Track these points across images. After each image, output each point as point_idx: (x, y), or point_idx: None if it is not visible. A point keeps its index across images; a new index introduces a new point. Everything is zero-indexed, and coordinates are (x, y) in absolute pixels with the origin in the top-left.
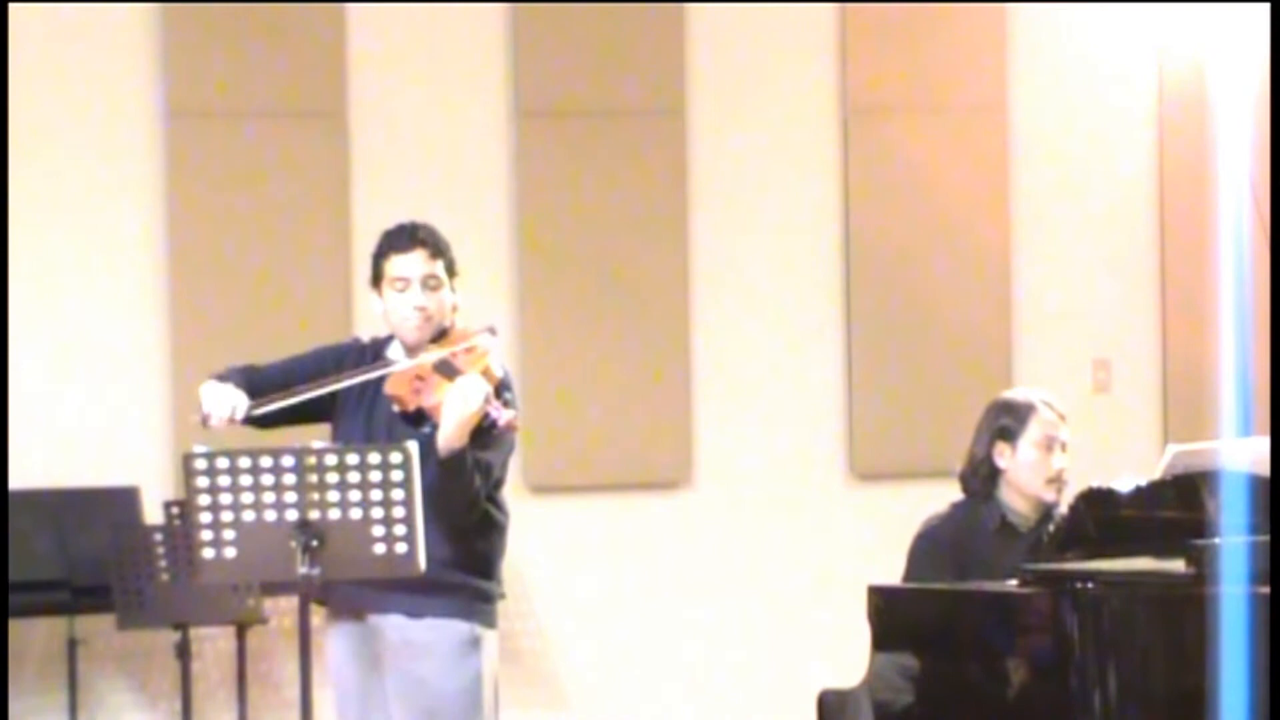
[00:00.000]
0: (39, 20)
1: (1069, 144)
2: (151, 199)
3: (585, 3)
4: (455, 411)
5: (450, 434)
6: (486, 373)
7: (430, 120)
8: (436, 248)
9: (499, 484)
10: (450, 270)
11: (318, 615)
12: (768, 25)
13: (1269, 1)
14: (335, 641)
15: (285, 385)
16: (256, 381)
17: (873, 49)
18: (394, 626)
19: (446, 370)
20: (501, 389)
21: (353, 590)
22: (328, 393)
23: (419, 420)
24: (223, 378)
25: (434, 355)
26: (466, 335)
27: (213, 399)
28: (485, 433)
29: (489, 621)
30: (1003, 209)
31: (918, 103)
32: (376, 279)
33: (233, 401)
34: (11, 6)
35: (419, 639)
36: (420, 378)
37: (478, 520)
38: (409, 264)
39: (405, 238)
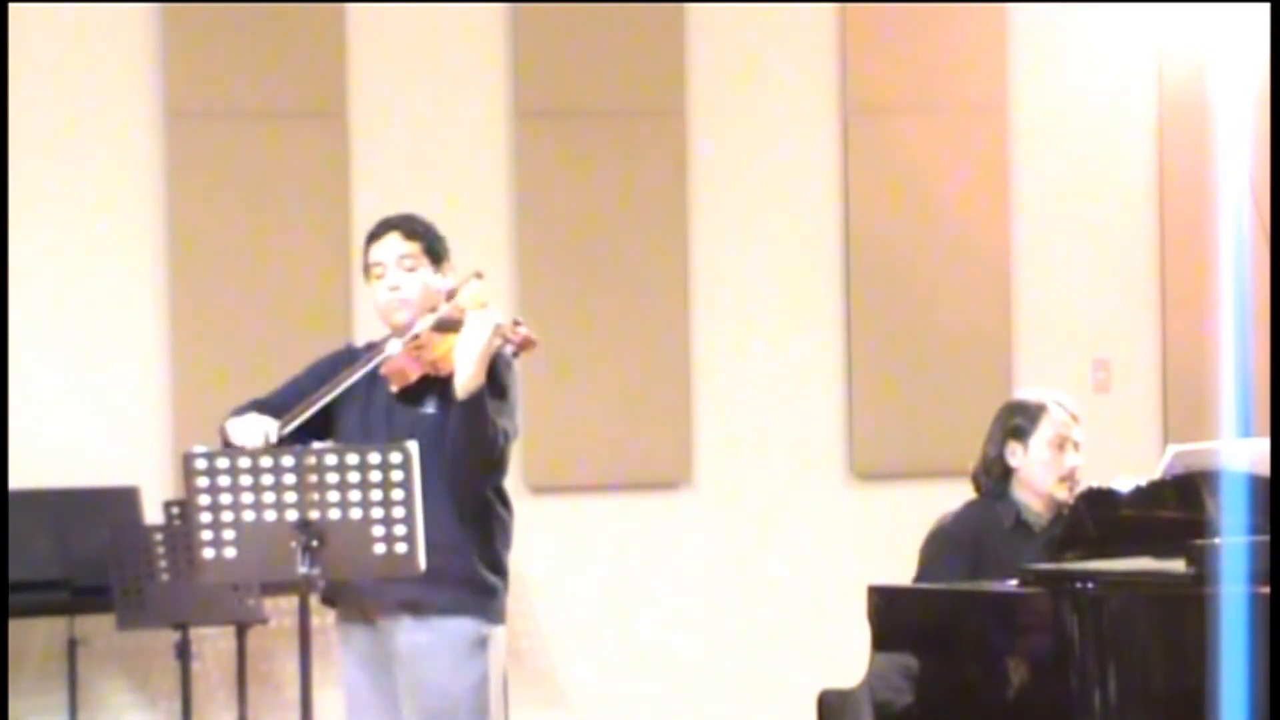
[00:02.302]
0: (39, 20)
1: (1069, 144)
2: (151, 199)
3: (585, 3)
4: (467, 347)
5: (467, 373)
6: (482, 307)
7: (430, 120)
8: (412, 230)
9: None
10: (434, 254)
11: (318, 615)
12: (768, 25)
13: (1269, 1)
14: (346, 645)
15: (293, 405)
16: (268, 410)
17: (873, 49)
18: (402, 628)
19: (445, 326)
20: (515, 321)
21: (361, 592)
22: (339, 393)
23: (418, 397)
24: (239, 411)
25: (428, 320)
26: (455, 290)
27: (242, 432)
28: (494, 394)
29: (496, 618)
30: (1003, 209)
31: (918, 103)
32: (366, 274)
33: (263, 428)
34: (11, 6)
35: (427, 640)
36: (419, 345)
37: (482, 510)
38: (382, 249)
39: (380, 225)
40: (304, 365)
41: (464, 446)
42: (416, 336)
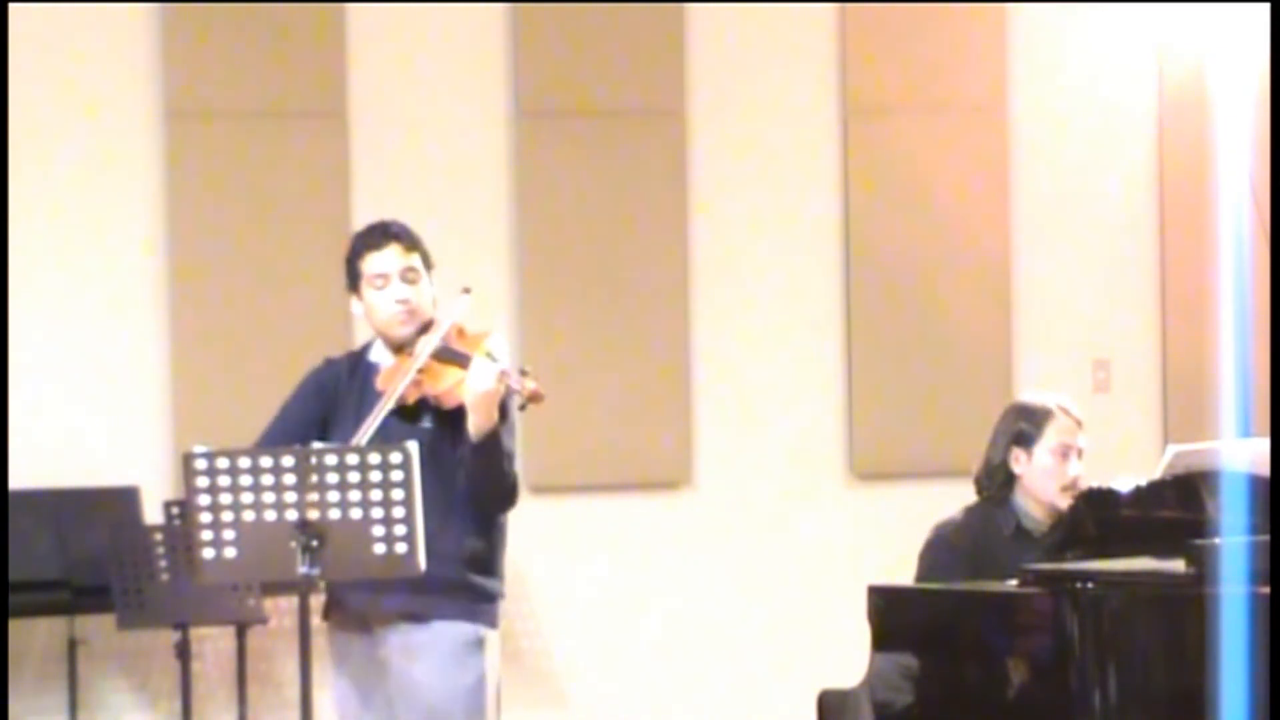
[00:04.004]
0: (39, 20)
1: (1069, 144)
2: (151, 199)
3: (585, 3)
4: (475, 394)
5: (479, 418)
6: (489, 355)
7: (430, 120)
8: (411, 241)
9: None
10: (427, 263)
11: (318, 615)
12: (768, 25)
13: (1269, 1)
14: (338, 654)
15: (291, 440)
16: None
17: (873, 49)
18: (398, 632)
19: (447, 356)
20: (521, 368)
21: (358, 603)
22: (375, 428)
23: (416, 414)
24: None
25: (429, 348)
26: (449, 314)
27: None
28: (502, 408)
29: (491, 622)
30: (1003, 209)
31: (918, 103)
32: (354, 282)
33: None
34: (11, 6)
35: (422, 642)
36: (421, 371)
37: (481, 517)
38: (385, 259)
39: (378, 234)
40: (296, 372)
41: (482, 485)
42: (423, 364)
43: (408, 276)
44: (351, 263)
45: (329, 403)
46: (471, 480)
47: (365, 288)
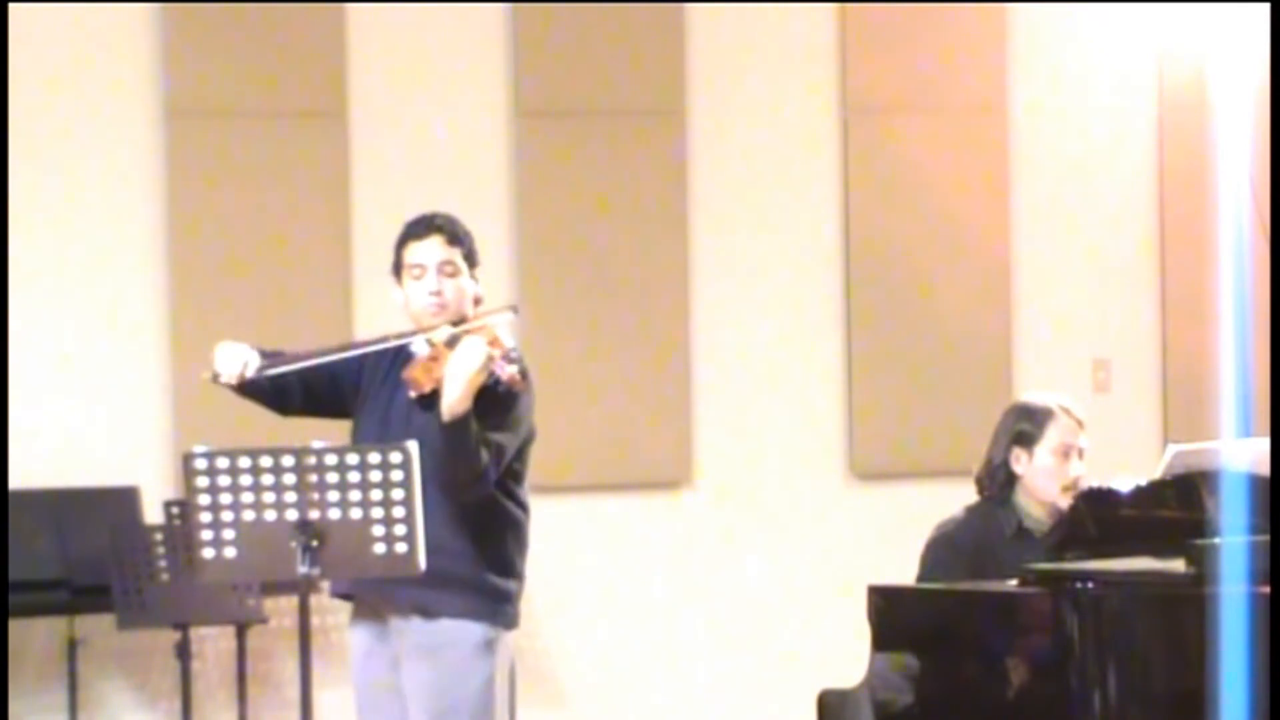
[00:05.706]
0: (39, 20)
1: (1069, 144)
2: (151, 199)
3: (585, 3)
4: (456, 371)
5: (453, 396)
6: (494, 342)
7: (430, 120)
8: (454, 235)
9: (518, 477)
10: (470, 260)
11: (318, 615)
12: (768, 25)
13: (1269, 1)
14: (358, 640)
15: (323, 373)
16: (278, 360)
17: (873, 49)
18: (412, 629)
19: (454, 343)
20: (509, 355)
21: (375, 590)
22: (343, 363)
23: (432, 403)
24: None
25: (444, 333)
26: (488, 313)
27: (225, 356)
28: (497, 410)
29: (506, 623)
30: (1003, 209)
31: (918, 103)
32: (397, 269)
33: (244, 358)
34: (11, 6)
35: (435, 639)
36: (434, 358)
37: (494, 515)
38: (425, 250)
39: (422, 225)
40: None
41: (446, 464)
42: (435, 346)
43: (445, 270)
44: (397, 250)
45: (368, 376)
46: (437, 459)
47: (405, 276)
